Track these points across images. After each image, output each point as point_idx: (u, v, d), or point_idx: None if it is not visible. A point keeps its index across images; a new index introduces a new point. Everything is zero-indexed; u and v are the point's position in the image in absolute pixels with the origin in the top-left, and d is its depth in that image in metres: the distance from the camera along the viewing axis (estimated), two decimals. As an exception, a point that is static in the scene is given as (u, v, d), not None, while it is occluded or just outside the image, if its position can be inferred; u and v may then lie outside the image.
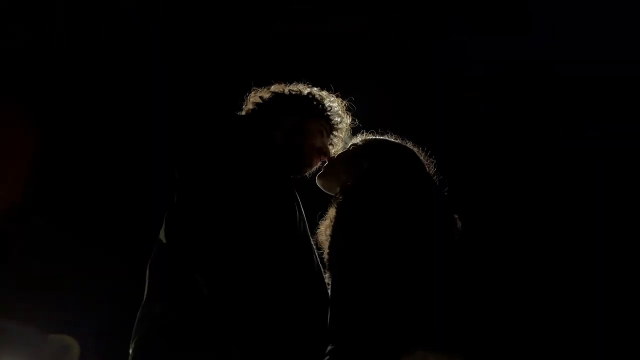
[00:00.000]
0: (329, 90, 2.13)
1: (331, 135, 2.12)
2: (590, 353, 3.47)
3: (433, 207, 1.82)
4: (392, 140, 2.04)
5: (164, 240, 1.81)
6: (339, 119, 2.11)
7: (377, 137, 2.07)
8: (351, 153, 2.03)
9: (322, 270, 1.87)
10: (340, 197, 1.88)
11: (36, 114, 3.57)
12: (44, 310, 3.56)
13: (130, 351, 1.78)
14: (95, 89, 3.71)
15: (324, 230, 1.89)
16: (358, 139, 2.09)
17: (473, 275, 1.96)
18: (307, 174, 2.09)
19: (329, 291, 1.83)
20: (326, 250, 1.85)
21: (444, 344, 1.64)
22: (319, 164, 2.08)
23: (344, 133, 2.14)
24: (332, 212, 1.88)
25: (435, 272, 1.71)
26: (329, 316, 1.75)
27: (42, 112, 3.60)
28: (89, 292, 3.62)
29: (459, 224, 1.88)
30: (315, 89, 2.10)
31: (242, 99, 2.11)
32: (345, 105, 2.13)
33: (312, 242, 1.90)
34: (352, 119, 2.16)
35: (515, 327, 3.50)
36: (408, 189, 1.83)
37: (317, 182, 2.07)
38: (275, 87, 2.09)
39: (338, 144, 2.14)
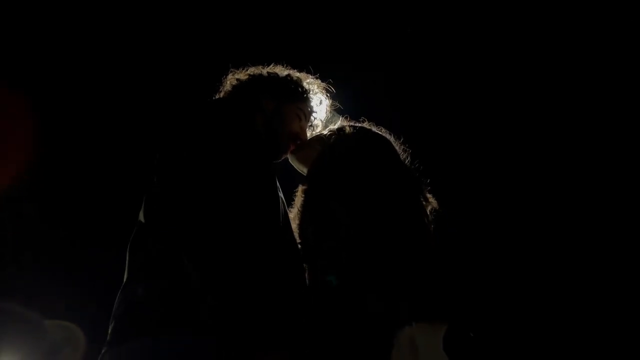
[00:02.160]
0: (307, 72, 2.09)
1: (310, 118, 2.08)
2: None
3: (402, 189, 1.78)
4: (368, 127, 2.01)
5: (143, 221, 1.82)
6: (317, 102, 2.06)
7: (354, 123, 2.04)
8: (325, 137, 1.99)
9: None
10: (305, 185, 1.85)
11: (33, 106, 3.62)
12: (47, 299, 3.62)
13: (110, 331, 1.67)
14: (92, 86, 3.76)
15: (293, 219, 1.84)
16: (335, 125, 2.05)
17: (454, 251, 1.93)
18: (282, 158, 2.04)
19: (307, 279, 1.77)
20: (298, 240, 1.81)
21: (429, 315, 1.61)
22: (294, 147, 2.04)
23: (323, 115, 2.09)
24: (299, 200, 1.85)
25: (411, 249, 1.68)
26: (310, 305, 1.70)
27: (38, 105, 3.65)
28: (92, 281, 3.66)
29: (434, 203, 1.86)
30: (293, 70, 2.06)
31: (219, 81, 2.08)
32: (323, 87, 2.08)
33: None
34: (332, 102, 2.11)
35: (500, 298, 3.49)
36: (377, 173, 1.79)
37: (289, 158, 2.03)
38: (253, 69, 2.05)
39: (317, 126, 2.10)
